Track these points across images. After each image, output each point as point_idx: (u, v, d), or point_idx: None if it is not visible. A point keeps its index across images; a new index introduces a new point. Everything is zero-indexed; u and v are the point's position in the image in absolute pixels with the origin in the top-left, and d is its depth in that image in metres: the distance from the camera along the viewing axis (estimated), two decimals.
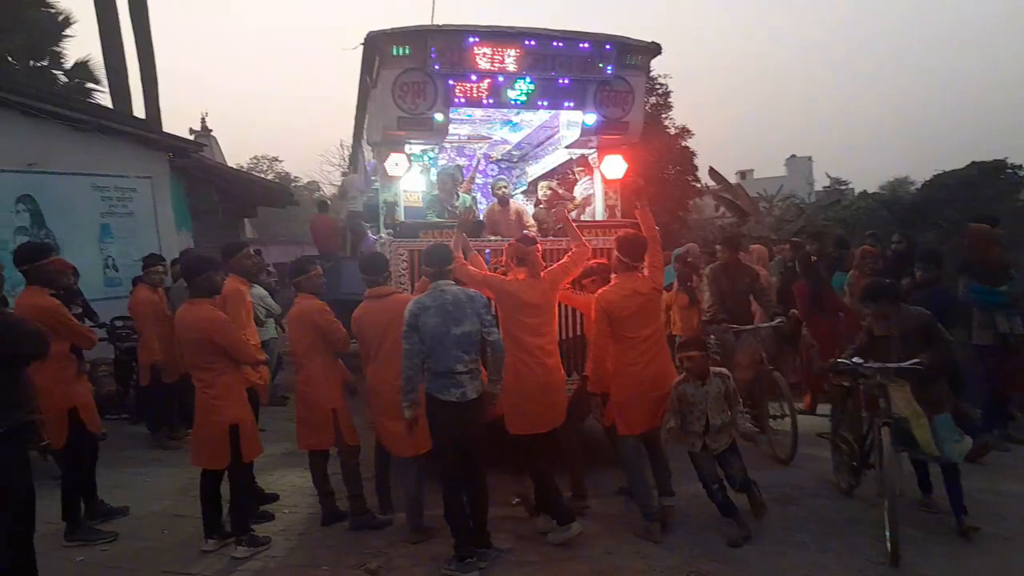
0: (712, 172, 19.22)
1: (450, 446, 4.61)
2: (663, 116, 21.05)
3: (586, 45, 6.31)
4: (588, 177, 7.62)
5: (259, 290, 8.00)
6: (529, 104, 6.54)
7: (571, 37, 6.33)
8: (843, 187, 23.00)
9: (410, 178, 7.15)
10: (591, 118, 6.53)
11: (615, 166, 6.69)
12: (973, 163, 16.03)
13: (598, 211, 7.21)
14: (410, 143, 6.59)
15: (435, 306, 4.55)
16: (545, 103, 6.55)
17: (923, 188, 17.57)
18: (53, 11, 16.90)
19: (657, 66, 21.62)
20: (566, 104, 6.56)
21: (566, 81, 6.36)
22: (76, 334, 5.21)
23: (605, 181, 7.05)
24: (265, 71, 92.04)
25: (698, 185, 20.91)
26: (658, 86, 21.11)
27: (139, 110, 16.83)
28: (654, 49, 6.57)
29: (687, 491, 5.37)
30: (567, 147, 7.34)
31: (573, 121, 6.91)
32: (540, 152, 8.70)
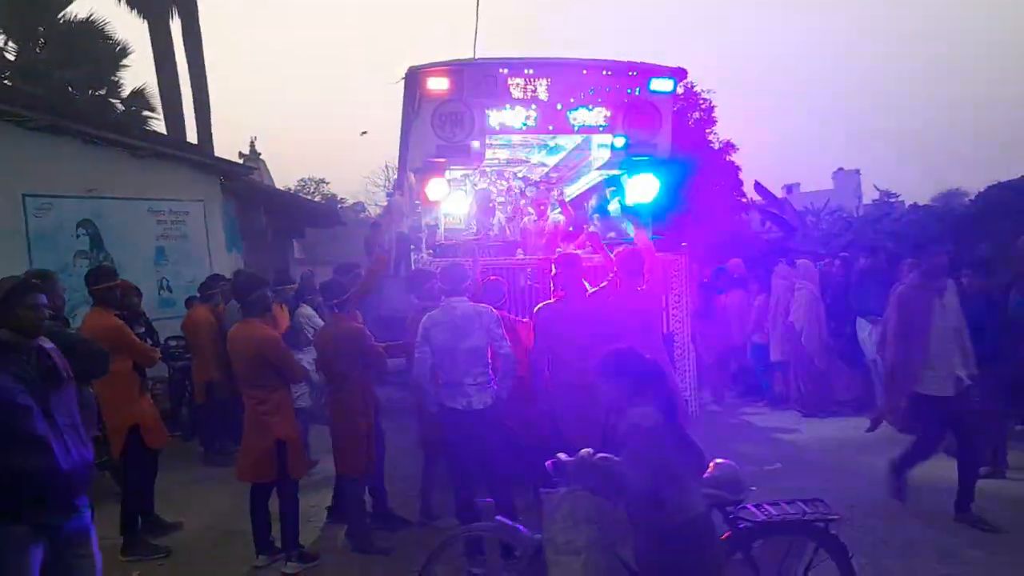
0: (757, 186, 19.02)
1: (459, 451, 4.87)
2: (707, 131, 20.93)
3: (613, 72, 6.69)
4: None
5: (307, 309, 8.14)
6: (559, 130, 6.91)
7: (598, 65, 6.73)
8: (893, 200, 22.46)
9: (451, 201, 7.41)
10: (620, 141, 6.78)
11: (646, 186, 6.83)
12: None
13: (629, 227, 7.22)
14: (449, 169, 6.87)
15: (445, 321, 4.81)
16: (576, 127, 6.84)
17: (977, 199, 17.14)
18: (111, 42, 17.53)
19: (700, 81, 21.57)
20: (598, 126, 6.82)
21: (596, 107, 6.66)
22: (139, 352, 5.42)
23: (629, 200, 7.14)
24: (311, 94, 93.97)
25: (744, 200, 20.70)
26: (702, 101, 20.99)
27: (191, 135, 17.36)
28: (679, 74, 6.89)
29: None
30: (598, 169, 7.59)
31: (603, 144, 7.16)
32: (575, 174, 8.92)
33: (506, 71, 6.51)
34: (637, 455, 2.91)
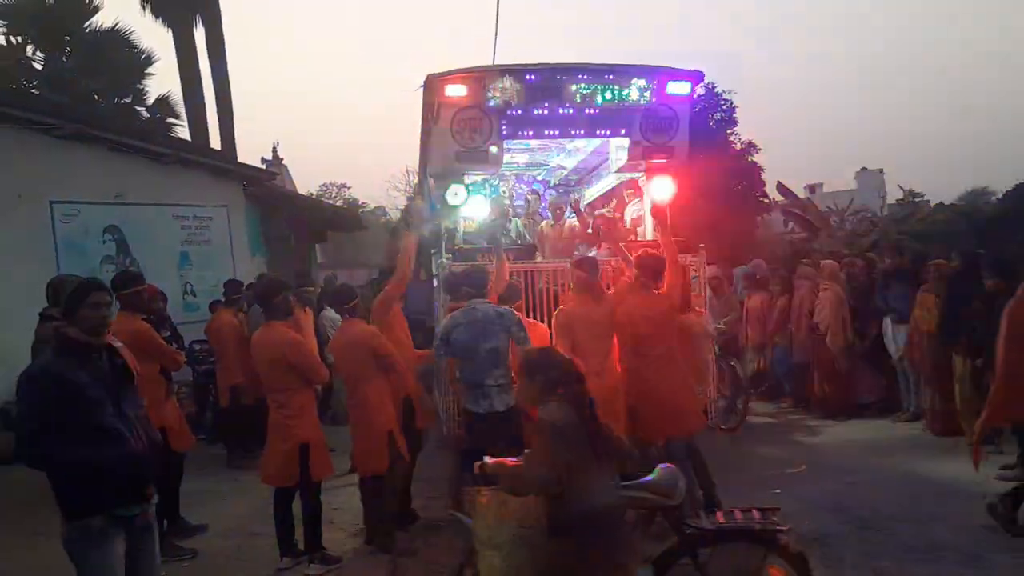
0: (780, 187, 18.89)
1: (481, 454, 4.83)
2: (728, 132, 20.81)
3: (631, 75, 6.77)
4: (638, 199, 7.81)
5: (331, 313, 8.21)
6: (579, 132, 7.08)
7: (616, 70, 6.81)
8: (918, 199, 22.17)
9: (471, 206, 7.39)
10: (638, 144, 6.88)
11: (663, 188, 6.80)
12: None
13: (648, 231, 7.43)
14: (468, 174, 6.95)
15: (466, 323, 4.89)
16: (593, 132, 7.05)
17: (1005, 198, 16.90)
18: (136, 50, 17.80)
19: (721, 82, 21.46)
20: (614, 131, 7.00)
21: (613, 110, 6.76)
22: (166, 356, 5.49)
23: (654, 203, 7.15)
24: (334, 98, 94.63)
25: (766, 201, 20.55)
26: (723, 101, 20.88)
27: (215, 141, 17.57)
28: (696, 77, 6.99)
29: None
30: (617, 171, 7.68)
31: (621, 146, 7.23)
32: (594, 177, 9.03)
33: (530, 77, 6.59)
34: (541, 450, 2.99)
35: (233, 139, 18.19)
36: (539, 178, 9.74)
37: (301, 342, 5.15)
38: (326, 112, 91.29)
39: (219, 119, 18.19)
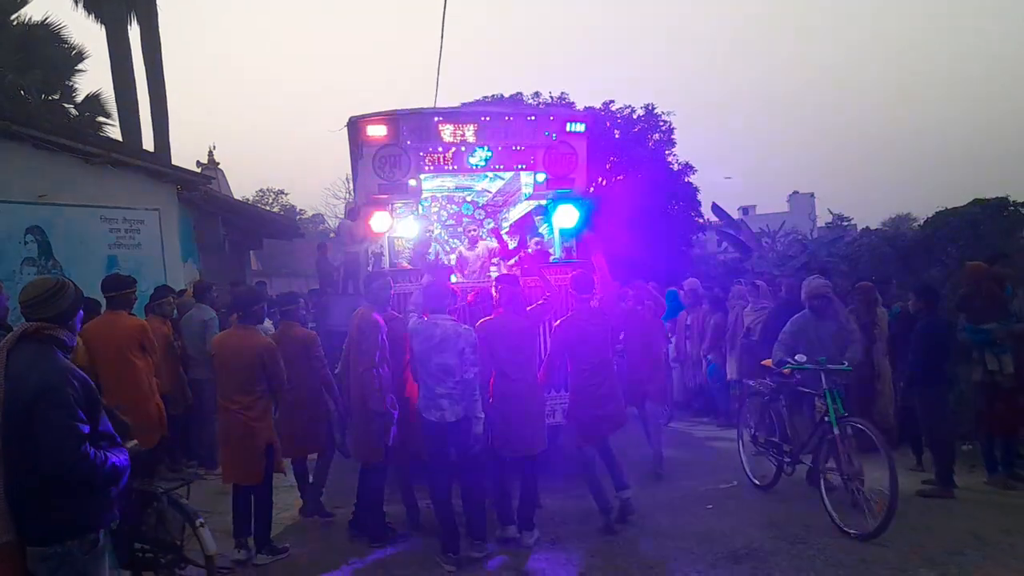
0: (715, 207, 19.35)
1: (434, 460, 5.38)
2: (666, 152, 21.23)
3: (533, 117, 7.77)
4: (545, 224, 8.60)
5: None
6: (487, 168, 7.92)
7: (520, 112, 7.94)
8: (845, 223, 23.05)
9: (402, 226, 8.17)
10: (541, 177, 7.73)
11: (567, 215, 7.63)
12: (975, 200, 16.07)
13: (556, 252, 8.14)
14: (391, 204, 7.60)
15: (424, 334, 5.33)
16: (501, 167, 7.96)
17: (926, 225, 17.61)
18: (67, 46, 17.18)
19: (660, 103, 21.95)
20: (519, 167, 7.87)
21: (519, 148, 7.63)
22: (156, 350, 6.34)
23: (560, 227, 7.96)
24: (271, 104, 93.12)
25: (701, 221, 21.00)
26: (661, 123, 21.31)
27: (148, 143, 17.05)
28: (590, 118, 8.07)
29: None
30: (527, 199, 8.57)
31: (528, 179, 8.16)
32: (514, 200, 9.81)
33: (439, 119, 7.43)
34: None
35: (167, 141, 17.70)
36: (468, 199, 10.47)
37: (276, 348, 5.56)
38: (265, 117, 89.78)
39: (153, 120, 17.67)
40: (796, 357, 6.07)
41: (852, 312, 7.80)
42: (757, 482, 6.88)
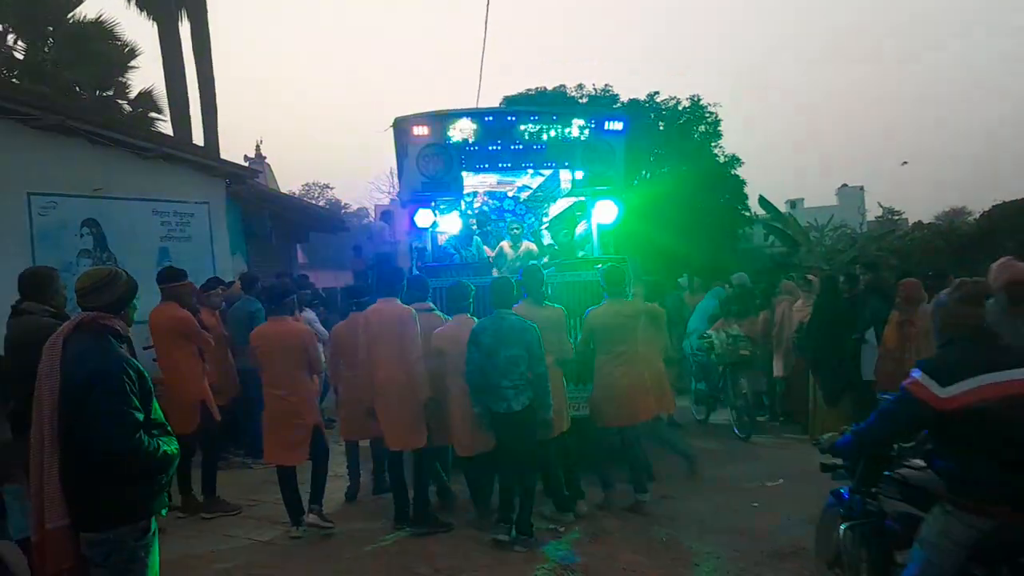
0: (762, 201, 19.02)
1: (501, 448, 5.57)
2: (712, 145, 20.96)
3: (571, 115, 8.00)
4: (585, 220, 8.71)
5: (309, 314, 8.16)
6: (526, 165, 8.29)
7: (558, 110, 8.86)
8: (897, 217, 22.53)
9: (445, 221, 8.59)
10: (580, 174, 8.00)
11: (605, 211, 7.78)
12: None
13: (596, 248, 8.31)
14: (434, 200, 7.95)
15: (492, 329, 5.48)
16: (541, 164, 8.26)
17: (982, 219, 17.13)
18: (120, 43, 17.58)
19: (706, 95, 21.68)
20: (558, 164, 8.18)
21: (557, 145, 7.87)
22: (203, 340, 6.44)
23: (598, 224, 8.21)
24: (319, 98, 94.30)
25: (748, 214, 20.70)
26: (707, 114, 21.03)
27: (198, 137, 17.38)
28: (630, 114, 8.75)
29: None
30: (566, 196, 8.92)
31: (568, 176, 8.42)
32: (555, 196, 9.96)
33: (479, 117, 7.79)
34: None
35: (217, 135, 17.99)
36: (509, 195, 10.63)
37: (315, 335, 6.13)
38: (311, 111, 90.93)
39: (203, 115, 17.98)
40: None
41: (895, 309, 7.54)
42: None
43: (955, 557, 2.96)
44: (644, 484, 6.14)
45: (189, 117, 17.57)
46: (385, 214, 14.94)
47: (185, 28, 18.23)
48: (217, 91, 18.23)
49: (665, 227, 16.51)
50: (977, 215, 19.71)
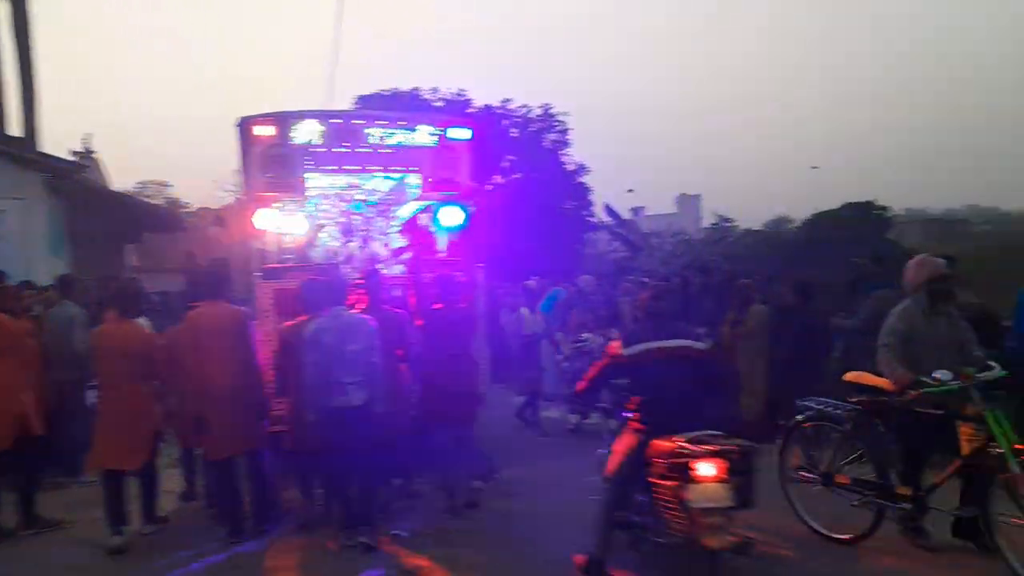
0: (607, 208, 19.80)
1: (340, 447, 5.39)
2: (561, 153, 21.58)
3: (420, 122, 8.10)
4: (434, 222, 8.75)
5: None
6: (374, 169, 8.28)
7: (407, 115, 8.44)
8: (729, 224, 24.10)
9: (292, 223, 8.14)
10: (427, 180, 8.07)
11: (451, 216, 7.79)
12: (847, 204, 17.10)
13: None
14: (277, 201, 7.68)
15: (332, 327, 5.42)
16: (388, 168, 8.29)
17: (803, 226, 18.62)
18: None
19: (557, 104, 22.28)
20: (406, 169, 8.25)
21: (405, 150, 7.95)
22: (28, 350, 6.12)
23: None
24: (159, 93, 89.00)
25: (593, 220, 21.46)
26: (557, 123, 21.64)
27: (15, 128, 15.91)
28: (475, 125, 8.31)
29: None
30: (412, 200, 8.84)
31: (414, 181, 8.51)
32: (403, 200, 9.93)
33: (327, 120, 7.68)
34: None
35: (35, 128, 16.55)
36: (358, 198, 10.34)
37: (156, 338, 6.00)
38: (153, 106, 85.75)
39: (23, 105, 16.50)
40: (936, 374, 4.41)
41: (731, 310, 8.13)
42: (834, 534, 5.06)
43: None
44: (481, 480, 6.25)
45: (1, 105, 16.06)
46: (219, 219, 14.44)
47: (4, 8, 16.67)
48: (41, 79, 16.79)
49: (517, 232, 16.82)
50: (799, 223, 21.40)
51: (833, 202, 17.49)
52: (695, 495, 3.97)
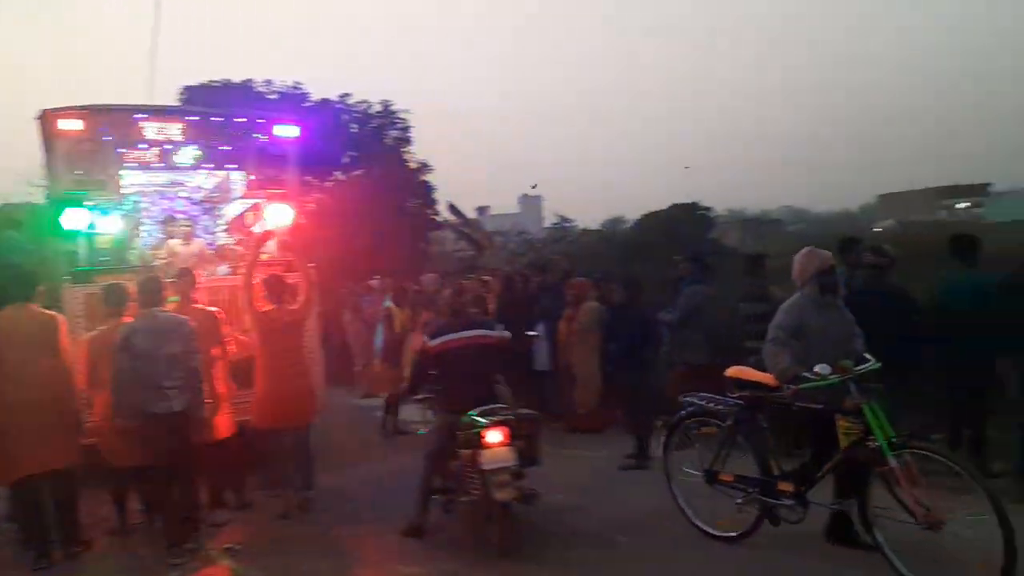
0: (451, 207, 19.89)
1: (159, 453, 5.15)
2: (403, 150, 21.45)
3: (243, 119, 7.99)
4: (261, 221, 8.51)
5: None
6: (197, 167, 8.12)
7: (228, 113, 8.30)
8: (568, 224, 24.91)
9: (105, 222, 7.68)
10: (252, 177, 7.95)
11: (280, 213, 7.53)
12: (674, 204, 18.13)
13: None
14: (88, 200, 7.17)
15: (146, 329, 5.17)
16: (212, 166, 8.18)
17: (635, 226, 19.58)
18: None
19: (399, 102, 22.10)
20: (230, 166, 8.12)
21: (228, 148, 7.83)
22: None
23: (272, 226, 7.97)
24: None
25: (437, 219, 21.51)
26: (397, 120, 21.49)
27: None
28: (301, 124, 8.19)
29: None
30: (239, 198, 8.69)
31: (238, 178, 8.36)
32: (230, 198, 9.68)
33: (142, 115, 7.37)
34: None
35: None
36: (181, 196, 10.00)
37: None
38: None
39: None
40: (817, 369, 4.30)
41: (567, 306, 8.38)
42: (717, 532, 4.99)
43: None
44: (309, 482, 6.12)
45: None
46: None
47: None
48: None
49: (358, 230, 16.54)
50: (631, 223, 22.45)
51: (664, 202, 18.58)
52: (486, 459, 4.68)
